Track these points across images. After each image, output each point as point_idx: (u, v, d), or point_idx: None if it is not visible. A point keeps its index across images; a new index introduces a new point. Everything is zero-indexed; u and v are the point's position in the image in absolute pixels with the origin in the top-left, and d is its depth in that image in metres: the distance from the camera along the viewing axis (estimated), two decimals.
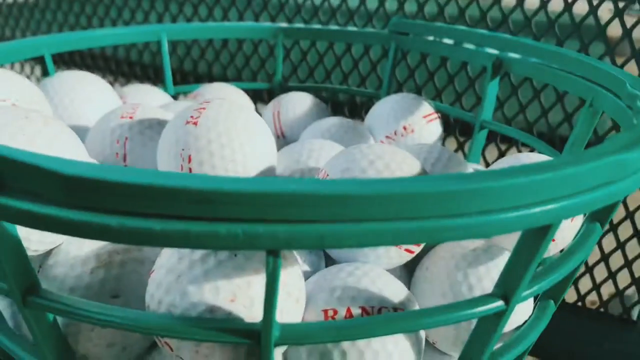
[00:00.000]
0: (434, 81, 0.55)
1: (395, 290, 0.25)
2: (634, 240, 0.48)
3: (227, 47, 0.63)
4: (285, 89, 0.52)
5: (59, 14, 0.75)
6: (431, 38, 0.48)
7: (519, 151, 0.52)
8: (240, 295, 0.21)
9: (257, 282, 0.21)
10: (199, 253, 0.22)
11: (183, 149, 0.29)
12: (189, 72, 0.66)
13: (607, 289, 0.52)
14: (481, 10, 0.50)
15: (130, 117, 0.33)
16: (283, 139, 0.46)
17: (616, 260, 0.50)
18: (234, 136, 0.29)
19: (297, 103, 0.47)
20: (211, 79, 0.63)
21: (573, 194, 0.19)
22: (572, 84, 0.37)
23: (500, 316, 0.22)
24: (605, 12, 0.47)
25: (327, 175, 0.28)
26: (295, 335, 0.20)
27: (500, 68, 0.43)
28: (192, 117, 0.29)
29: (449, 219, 0.17)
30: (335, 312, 0.24)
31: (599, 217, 0.28)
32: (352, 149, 0.28)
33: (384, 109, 0.45)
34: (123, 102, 0.41)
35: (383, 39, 0.50)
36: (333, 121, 0.42)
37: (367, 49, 0.57)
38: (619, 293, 0.51)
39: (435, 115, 0.45)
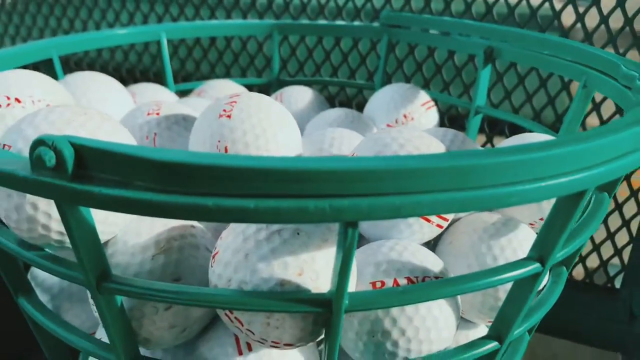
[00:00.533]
0: (422, 71, 0.57)
1: (433, 261, 0.27)
2: (615, 213, 0.51)
3: (215, 45, 0.64)
4: (281, 83, 0.54)
5: (52, 19, 0.74)
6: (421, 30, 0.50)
7: (507, 136, 0.55)
8: (306, 269, 0.23)
9: (320, 257, 0.23)
10: (263, 233, 0.23)
11: (219, 141, 0.30)
12: (175, 71, 0.67)
13: (592, 262, 0.56)
14: (466, 3, 0.53)
15: (157, 114, 0.34)
16: None
17: (600, 234, 0.53)
18: (266, 127, 0.30)
19: (300, 96, 0.48)
20: (201, 77, 0.64)
21: (604, 162, 0.21)
22: (563, 67, 0.40)
23: (536, 278, 0.25)
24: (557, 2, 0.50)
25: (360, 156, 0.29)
26: (361, 302, 0.22)
27: (491, 55, 0.46)
28: (224, 110, 0.31)
29: (507, 187, 0.19)
30: (383, 283, 0.26)
31: (607, 187, 0.31)
32: (381, 133, 0.30)
33: (383, 98, 0.47)
34: (134, 101, 0.42)
35: (375, 32, 0.52)
36: (338, 112, 0.44)
37: (356, 42, 0.59)
38: (602, 264, 0.55)
39: (432, 102, 0.47)
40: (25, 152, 0.23)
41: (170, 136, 0.34)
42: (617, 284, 0.56)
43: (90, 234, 0.21)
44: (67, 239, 0.24)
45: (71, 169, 0.19)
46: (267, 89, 0.54)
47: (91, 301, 0.26)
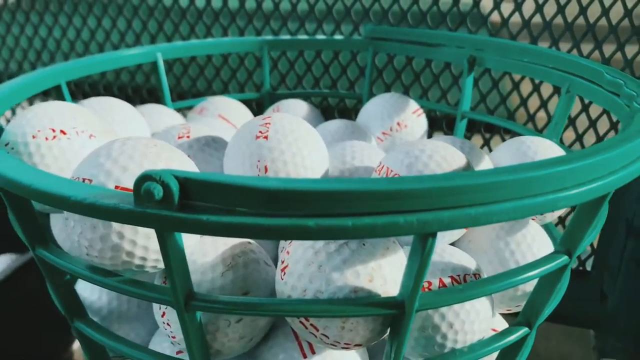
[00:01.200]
0: (401, 79, 0.60)
1: (468, 260, 0.30)
2: None
3: (197, 62, 0.66)
4: (273, 97, 0.56)
5: (37, 40, 0.74)
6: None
7: (503, 138, 0.59)
8: (375, 275, 0.25)
9: (386, 264, 0.25)
10: (333, 245, 0.25)
11: (259, 161, 0.32)
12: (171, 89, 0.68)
13: None
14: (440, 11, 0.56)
15: (187, 137, 0.36)
16: None
17: None
18: (301, 145, 0.33)
19: (296, 109, 0.50)
20: (195, 94, 0.65)
21: (623, 167, 0.25)
22: (546, 74, 0.44)
23: (564, 269, 0.28)
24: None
25: (391, 170, 0.32)
26: (429, 301, 0.24)
27: (474, 64, 0.50)
28: (260, 132, 0.33)
29: (557, 193, 0.22)
30: (430, 283, 0.29)
31: None
32: (407, 146, 0.33)
33: (376, 108, 0.49)
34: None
35: (361, 45, 0.55)
36: (339, 124, 0.47)
37: (337, 54, 0.61)
38: None
39: (421, 110, 0.50)
40: (108, 185, 0.25)
41: (203, 158, 0.35)
42: (588, 267, 0.61)
43: (181, 258, 0.23)
44: (148, 263, 0.26)
45: (177, 200, 0.21)
46: (260, 103, 0.56)
47: (164, 319, 0.28)
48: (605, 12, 0.51)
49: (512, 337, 0.30)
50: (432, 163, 0.31)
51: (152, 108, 0.46)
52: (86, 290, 0.34)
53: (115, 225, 0.24)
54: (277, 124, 0.33)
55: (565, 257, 0.28)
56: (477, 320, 0.29)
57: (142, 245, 0.25)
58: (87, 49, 0.71)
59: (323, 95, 0.60)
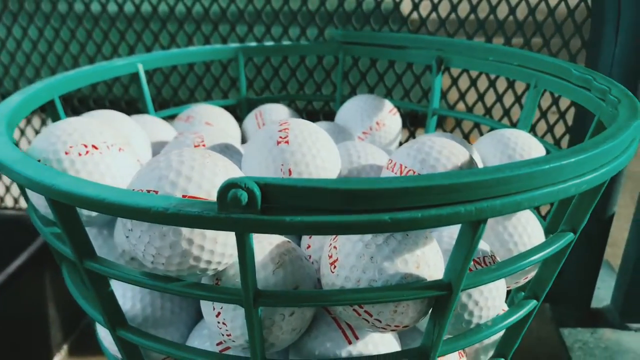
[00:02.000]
0: (366, 80, 0.63)
1: (483, 245, 0.34)
2: None
3: (178, 70, 0.66)
4: (250, 102, 0.57)
5: (19, 54, 0.71)
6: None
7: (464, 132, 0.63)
8: (421, 262, 0.28)
9: (428, 250, 0.28)
10: (380, 238, 0.28)
11: (282, 165, 0.34)
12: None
13: None
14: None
15: (203, 145, 0.37)
16: None
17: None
18: (320, 147, 0.35)
19: (278, 114, 0.52)
20: (162, 103, 0.66)
21: (615, 158, 0.29)
22: (513, 71, 0.48)
23: (570, 245, 0.32)
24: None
25: (405, 166, 0.35)
26: (472, 281, 0.27)
27: (442, 64, 0.53)
28: (281, 137, 0.35)
29: (570, 181, 0.26)
30: None
31: None
32: (415, 143, 0.36)
33: (354, 109, 0.52)
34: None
35: (332, 49, 0.57)
36: (326, 126, 0.49)
37: (303, 59, 0.64)
38: None
39: (395, 109, 0.54)
40: (176, 194, 0.26)
41: None
42: None
43: (253, 258, 0.25)
44: (211, 266, 0.27)
45: (260, 204, 0.23)
46: (234, 109, 0.58)
47: (219, 319, 0.29)
48: (512, 10, 0.57)
49: (525, 310, 0.33)
50: (442, 158, 0.34)
51: (144, 119, 0.46)
52: (119, 300, 0.34)
53: (185, 232, 0.26)
54: (295, 129, 0.35)
55: (571, 234, 0.32)
56: (498, 296, 0.32)
57: (209, 249, 0.26)
58: (59, 62, 0.70)
59: (299, 98, 0.62)
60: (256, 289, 0.26)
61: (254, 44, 0.57)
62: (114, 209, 0.24)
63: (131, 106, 0.59)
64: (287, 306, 0.29)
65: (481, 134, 0.64)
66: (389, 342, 0.32)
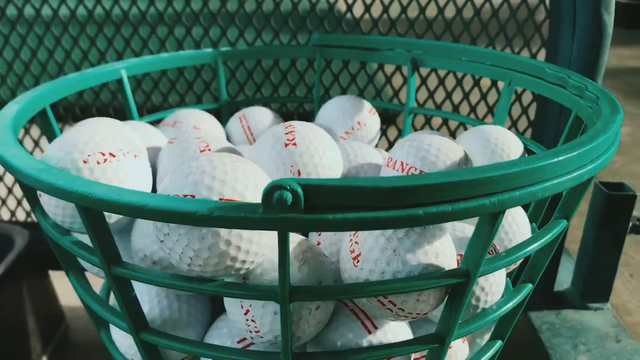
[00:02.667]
0: (339, 81, 0.65)
1: None
2: None
3: (151, 76, 0.66)
4: (231, 106, 0.58)
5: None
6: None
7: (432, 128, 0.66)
8: (439, 252, 0.30)
9: (445, 241, 0.30)
10: (401, 232, 0.30)
11: (292, 166, 0.35)
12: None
13: None
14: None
15: (209, 149, 0.38)
16: None
17: None
18: (326, 148, 0.36)
19: (261, 116, 0.53)
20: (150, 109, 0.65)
21: (602, 154, 0.31)
22: (486, 71, 0.51)
23: (564, 232, 0.35)
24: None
25: (406, 164, 0.37)
26: (486, 268, 0.30)
27: (416, 65, 0.56)
28: (288, 139, 0.36)
29: (568, 174, 0.28)
30: (461, 255, 0.34)
31: None
32: (413, 142, 0.37)
33: (336, 110, 0.54)
34: None
35: (308, 52, 0.59)
36: None
37: (276, 62, 0.65)
38: None
39: (374, 109, 0.56)
40: (213, 198, 0.27)
41: None
42: None
43: (286, 256, 0.26)
44: (245, 265, 0.28)
45: (303, 204, 0.24)
46: (217, 113, 0.58)
47: (247, 316, 0.30)
48: (441, 11, 0.61)
49: (523, 293, 0.36)
50: (441, 155, 0.37)
51: (133, 124, 0.47)
52: None
53: (223, 234, 0.27)
54: (301, 131, 0.37)
55: (565, 221, 0.34)
56: (500, 283, 0.35)
57: (245, 249, 0.27)
58: (44, 69, 0.68)
59: (276, 101, 0.63)
60: (292, 286, 0.27)
61: (229, 48, 0.58)
62: (157, 214, 0.25)
63: (118, 113, 0.59)
64: (319, 300, 0.30)
65: (449, 130, 0.67)
66: (404, 331, 0.34)
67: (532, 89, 0.47)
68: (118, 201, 0.25)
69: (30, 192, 0.34)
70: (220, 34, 0.65)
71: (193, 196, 0.27)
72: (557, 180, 0.27)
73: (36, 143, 0.77)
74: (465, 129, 0.66)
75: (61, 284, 0.75)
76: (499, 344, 0.39)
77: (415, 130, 0.66)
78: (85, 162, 0.31)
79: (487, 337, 0.41)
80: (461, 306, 0.30)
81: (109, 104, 0.70)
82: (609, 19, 0.60)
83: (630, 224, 0.68)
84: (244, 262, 0.28)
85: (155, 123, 0.52)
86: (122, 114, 0.53)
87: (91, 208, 0.27)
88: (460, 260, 0.32)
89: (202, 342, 0.32)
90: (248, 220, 0.24)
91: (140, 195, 0.25)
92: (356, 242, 0.31)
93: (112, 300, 0.39)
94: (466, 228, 0.36)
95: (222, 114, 0.58)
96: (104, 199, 0.25)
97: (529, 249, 0.32)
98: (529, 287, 0.37)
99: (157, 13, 0.64)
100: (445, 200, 0.25)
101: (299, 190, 0.24)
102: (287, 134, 0.37)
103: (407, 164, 0.37)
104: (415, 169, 0.37)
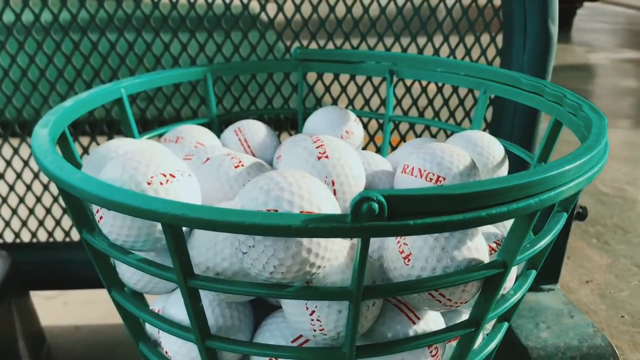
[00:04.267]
0: (314, 92, 0.69)
1: (494, 229, 0.41)
2: None
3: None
4: (221, 119, 0.60)
5: None
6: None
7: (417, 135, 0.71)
8: (478, 247, 0.34)
9: (480, 238, 0.35)
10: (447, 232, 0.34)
11: (326, 177, 0.39)
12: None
13: None
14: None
15: (242, 165, 0.40)
16: None
17: None
18: (354, 158, 0.40)
19: (256, 129, 0.56)
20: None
21: (597, 163, 0.37)
22: (461, 80, 0.56)
23: (566, 223, 0.40)
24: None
25: (424, 170, 0.41)
26: (519, 258, 0.34)
27: (394, 76, 0.60)
28: (320, 153, 0.39)
29: (578, 178, 0.33)
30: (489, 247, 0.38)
31: None
32: (428, 149, 0.42)
33: (325, 120, 0.57)
34: None
35: (291, 66, 0.62)
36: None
37: (253, 75, 0.68)
38: None
39: (358, 118, 0.60)
40: (294, 211, 0.30)
41: None
42: None
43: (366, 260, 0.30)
44: (319, 270, 0.31)
45: (387, 212, 0.28)
46: (208, 126, 0.60)
47: (313, 317, 0.33)
48: (440, 24, 0.67)
49: (530, 278, 0.41)
50: (454, 160, 0.41)
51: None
52: None
53: (305, 243, 0.30)
54: (329, 144, 0.40)
55: (565, 214, 0.40)
56: (515, 271, 0.40)
57: (322, 255, 0.30)
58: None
59: (262, 113, 0.66)
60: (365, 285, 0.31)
61: (221, 63, 0.60)
62: (258, 229, 0.27)
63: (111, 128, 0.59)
64: (389, 296, 0.33)
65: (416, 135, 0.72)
66: (440, 319, 0.38)
67: (507, 96, 0.53)
68: (221, 220, 0.28)
69: (83, 216, 0.36)
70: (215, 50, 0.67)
71: (276, 210, 0.30)
72: (578, 181, 0.32)
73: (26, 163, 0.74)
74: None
75: (38, 304, 0.74)
76: (505, 325, 0.44)
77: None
78: (149, 183, 0.33)
79: (492, 321, 0.46)
80: (497, 293, 0.34)
81: (102, 119, 0.69)
82: (555, 29, 0.67)
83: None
84: (318, 267, 0.31)
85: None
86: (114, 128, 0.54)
87: (175, 226, 0.29)
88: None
89: (266, 344, 0.34)
90: (339, 230, 0.28)
91: (241, 213, 0.28)
92: (405, 243, 0.34)
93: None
94: None
95: (213, 127, 0.60)
96: (204, 219, 0.28)
97: (545, 240, 0.37)
98: (534, 273, 0.42)
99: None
100: (501, 202, 0.29)
101: (383, 200, 0.27)
102: (317, 147, 0.40)
103: (425, 170, 0.41)
104: (434, 174, 0.41)
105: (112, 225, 0.34)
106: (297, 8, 0.67)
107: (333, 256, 0.32)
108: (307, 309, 0.34)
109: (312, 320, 0.34)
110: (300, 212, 0.30)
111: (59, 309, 0.88)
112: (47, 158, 0.33)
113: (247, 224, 0.28)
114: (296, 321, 0.35)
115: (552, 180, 0.31)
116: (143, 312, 0.37)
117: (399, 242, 0.35)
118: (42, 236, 0.75)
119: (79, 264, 0.71)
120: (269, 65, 0.62)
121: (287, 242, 0.30)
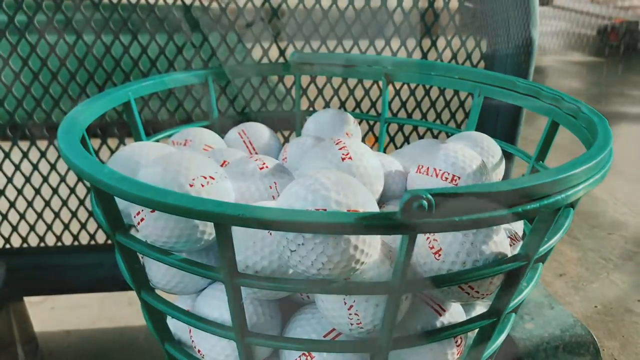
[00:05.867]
0: (307, 94, 0.70)
1: (508, 225, 0.43)
2: None
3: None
4: (222, 122, 0.61)
5: None
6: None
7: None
8: (502, 241, 0.36)
9: (502, 233, 0.37)
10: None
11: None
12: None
13: None
14: None
15: (267, 167, 0.41)
16: None
17: None
18: (375, 160, 0.42)
19: (259, 131, 0.57)
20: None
21: (604, 166, 0.39)
22: (456, 84, 0.59)
23: (570, 217, 0.43)
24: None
25: (439, 169, 0.43)
26: (541, 252, 0.37)
27: (389, 79, 0.62)
28: (343, 154, 0.41)
29: (590, 178, 0.36)
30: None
31: None
32: (439, 150, 0.44)
33: (327, 122, 0.59)
34: None
35: (289, 70, 0.63)
36: (311, 141, 0.55)
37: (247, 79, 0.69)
38: None
39: (356, 120, 0.61)
40: (342, 210, 0.32)
41: (282, 183, 0.41)
42: None
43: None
44: (362, 266, 0.33)
45: (434, 209, 0.29)
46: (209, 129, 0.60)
47: (351, 311, 0.35)
48: (428, 29, 0.69)
49: (539, 271, 0.44)
50: (467, 160, 0.43)
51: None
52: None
53: (352, 240, 0.31)
54: (350, 146, 0.41)
55: (571, 209, 0.42)
56: None
57: (366, 252, 0.32)
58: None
59: (256, 115, 0.66)
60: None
61: (222, 67, 0.61)
62: (319, 228, 0.29)
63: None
64: (427, 289, 0.35)
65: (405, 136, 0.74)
66: (462, 311, 0.40)
67: (503, 99, 0.56)
68: (285, 220, 0.29)
69: (118, 219, 0.36)
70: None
71: (324, 209, 0.31)
72: (596, 178, 0.35)
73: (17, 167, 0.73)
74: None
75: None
76: (513, 316, 0.46)
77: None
78: (191, 185, 0.34)
79: None
80: (519, 284, 0.37)
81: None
82: (536, 34, 0.71)
83: None
84: (362, 263, 0.32)
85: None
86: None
87: (227, 226, 0.31)
88: None
89: (304, 339, 0.36)
90: (392, 227, 0.29)
91: (303, 213, 0.29)
92: (435, 239, 0.36)
93: None
94: None
95: (214, 130, 0.60)
96: (269, 219, 0.29)
97: (559, 234, 0.39)
98: (541, 265, 0.44)
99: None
100: (534, 198, 0.32)
101: (432, 198, 0.29)
102: (340, 149, 0.41)
103: (440, 170, 0.43)
104: (449, 173, 0.43)
105: (154, 227, 0.35)
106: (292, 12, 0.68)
107: (375, 252, 0.34)
108: (345, 303, 0.35)
109: (350, 314, 0.35)
110: (347, 210, 0.32)
111: (47, 314, 0.87)
112: (91, 166, 0.33)
113: (309, 222, 0.29)
114: (333, 316, 0.36)
115: (576, 178, 0.33)
116: (178, 312, 0.38)
117: (428, 238, 0.37)
118: (33, 241, 0.73)
119: (71, 268, 0.70)
120: (266, 69, 0.63)
121: (336, 239, 0.31)
